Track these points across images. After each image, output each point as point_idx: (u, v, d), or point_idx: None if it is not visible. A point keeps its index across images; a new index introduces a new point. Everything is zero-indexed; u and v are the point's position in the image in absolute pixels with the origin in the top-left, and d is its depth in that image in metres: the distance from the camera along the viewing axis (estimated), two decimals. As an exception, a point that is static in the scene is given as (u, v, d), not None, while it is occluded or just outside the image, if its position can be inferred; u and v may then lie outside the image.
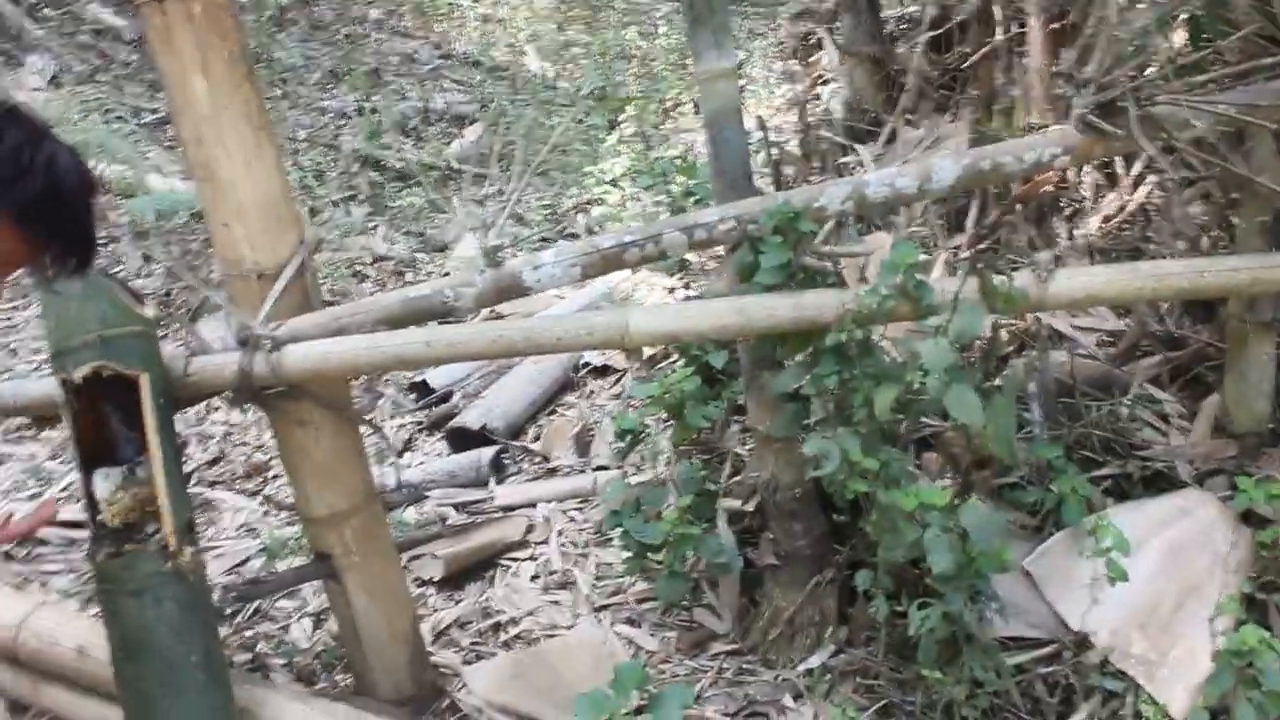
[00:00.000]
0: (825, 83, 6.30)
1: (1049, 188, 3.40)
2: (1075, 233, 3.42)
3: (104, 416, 2.24)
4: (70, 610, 2.84)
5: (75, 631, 2.65)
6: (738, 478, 3.15)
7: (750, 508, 3.04)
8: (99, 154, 5.70)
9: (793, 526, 2.80)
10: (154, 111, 6.98)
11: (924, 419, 2.93)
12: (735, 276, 2.37)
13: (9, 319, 4.87)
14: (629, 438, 3.12)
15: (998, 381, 2.44)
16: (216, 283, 2.40)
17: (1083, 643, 2.52)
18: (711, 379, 3.25)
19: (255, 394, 2.24)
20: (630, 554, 3.03)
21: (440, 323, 2.45)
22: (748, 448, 3.25)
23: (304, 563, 3.17)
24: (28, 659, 2.70)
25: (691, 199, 3.14)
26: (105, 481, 2.19)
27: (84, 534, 3.64)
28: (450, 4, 9.60)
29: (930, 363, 2.14)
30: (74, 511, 3.76)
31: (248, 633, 3.13)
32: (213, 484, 4.01)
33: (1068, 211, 3.47)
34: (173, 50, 2.13)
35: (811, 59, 7.00)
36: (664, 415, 3.31)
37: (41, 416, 2.45)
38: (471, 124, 7.29)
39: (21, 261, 1.73)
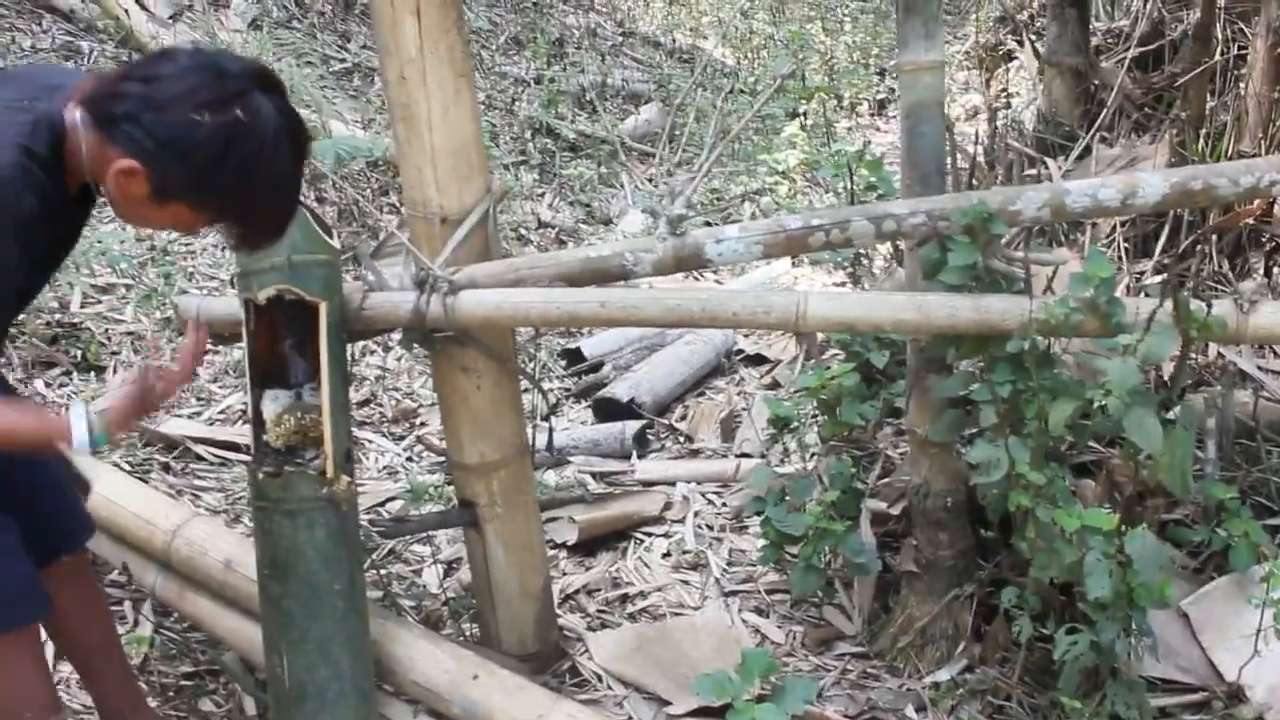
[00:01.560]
0: (1014, 94, 6.15)
1: (1250, 220, 3.24)
2: (1275, 270, 3.25)
3: (279, 340, 2.29)
4: (220, 524, 2.93)
5: (225, 545, 2.72)
6: (886, 480, 3.09)
7: (896, 511, 2.97)
8: (292, 97, 5.88)
9: (938, 535, 2.73)
10: (341, 61, 7.15)
11: (1091, 442, 2.83)
12: (919, 272, 2.32)
13: (189, 244, 5.05)
14: (781, 425, 3.08)
15: (1173, 414, 2.33)
16: (397, 223, 2.43)
17: (1236, 695, 2.40)
18: (869, 377, 3.18)
19: (425, 335, 2.27)
20: (768, 542, 3.00)
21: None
22: (899, 451, 3.18)
23: (445, 508, 3.24)
24: (178, 565, 2.80)
25: (874, 194, 3.07)
26: (273, 403, 2.24)
27: (235, 455, 3.82)
28: (637, -17, 9.65)
29: (1115, 382, 2.05)
30: (228, 432, 3.91)
31: (381, 571, 3.19)
32: (361, 424, 4.09)
33: (1268, 247, 3.30)
34: (387, -10, 2.16)
35: (1000, 68, 6.83)
36: (816, 409, 3.26)
37: (221, 335, 2.52)
38: (647, 103, 7.30)
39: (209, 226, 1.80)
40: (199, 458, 3.79)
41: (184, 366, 2.01)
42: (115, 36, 6.22)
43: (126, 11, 6.30)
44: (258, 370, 2.25)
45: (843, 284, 4.26)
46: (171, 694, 2.79)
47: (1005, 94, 6.29)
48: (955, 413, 2.55)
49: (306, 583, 2.19)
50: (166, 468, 3.72)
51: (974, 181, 3.20)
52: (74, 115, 1.69)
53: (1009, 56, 7.16)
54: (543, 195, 5.92)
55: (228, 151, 1.67)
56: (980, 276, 2.22)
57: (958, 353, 2.35)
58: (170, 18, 6.85)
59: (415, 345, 2.40)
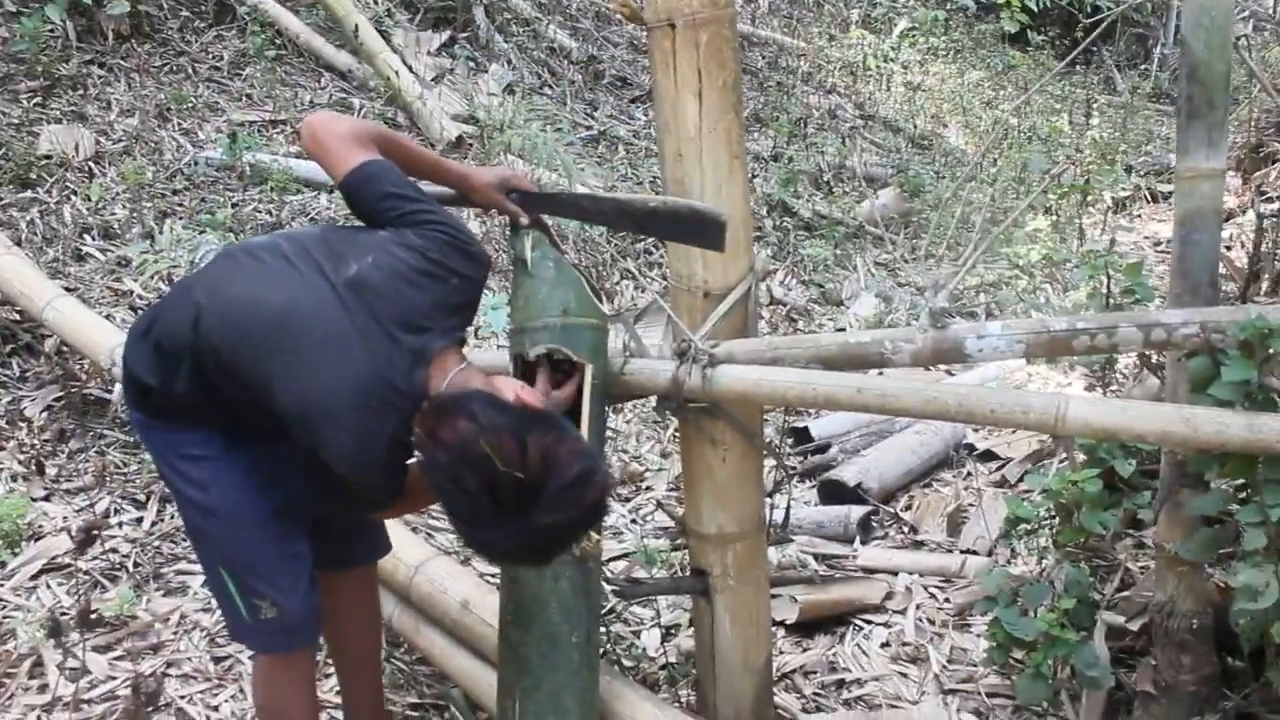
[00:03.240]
0: (1269, 198, 5.88)
1: None
2: None
3: (540, 398, 2.40)
4: (459, 566, 3.05)
5: (463, 586, 2.84)
6: (1125, 593, 2.97)
7: (1134, 627, 2.86)
8: (536, 157, 6.16)
9: (1180, 658, 2.61)
10: (588, 128, 7.43)
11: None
12: (1181, 384, 2.25)
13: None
14: (1019, 526, 3.01)
15: None
16: (660, 292, 2.52)
17: None
18: (1112, 485, 3.09)
19: (680, 404, 2.34)
20: (994, 644, 2.92)
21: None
22: (1140, 564, 3.06)
23: (669, 574, 3.29)
24: (417, 600, 2.93)
25: (1130, 297, 2.99)
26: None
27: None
28: (879, 68, 9.68)
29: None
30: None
31: (601, 629, 3.27)
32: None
33: None
34: (673, 71, 2.27)
35: (1261, 170, 6.56)
36: (1053, 513, 3.17)
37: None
38: (884, 187, 7.31)
39: None
40: (435, 500, 3.96)
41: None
42: (383, 95, 6.66)
43: (396, 73, 6.72)
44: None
45: (1090, 387, 4.14)
46: (397, 722, 2.93)
47: (1265, 197, 6.02)
48: (1210, 531, 2.45)
49: (546, 632, 2.27)
50: (404, 506, 3.90)
51: (1246, 293, 3.08)
52: (417, 437, 1.97)
53: (1271, 159, 6.87)
54: (775, 272, 5.98)
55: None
56: (1253, 394, 2.14)
57: (1221, 470, 2.27)
58: (433, 79, 7.29)
59: (666, 412, 2.47)
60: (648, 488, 4.16)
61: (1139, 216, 7.56)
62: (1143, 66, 12.32)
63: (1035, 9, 10.94)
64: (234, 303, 2.05)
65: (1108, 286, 3.08)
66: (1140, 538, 3.13)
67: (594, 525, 2.01)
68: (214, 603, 2.48)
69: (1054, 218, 6.08)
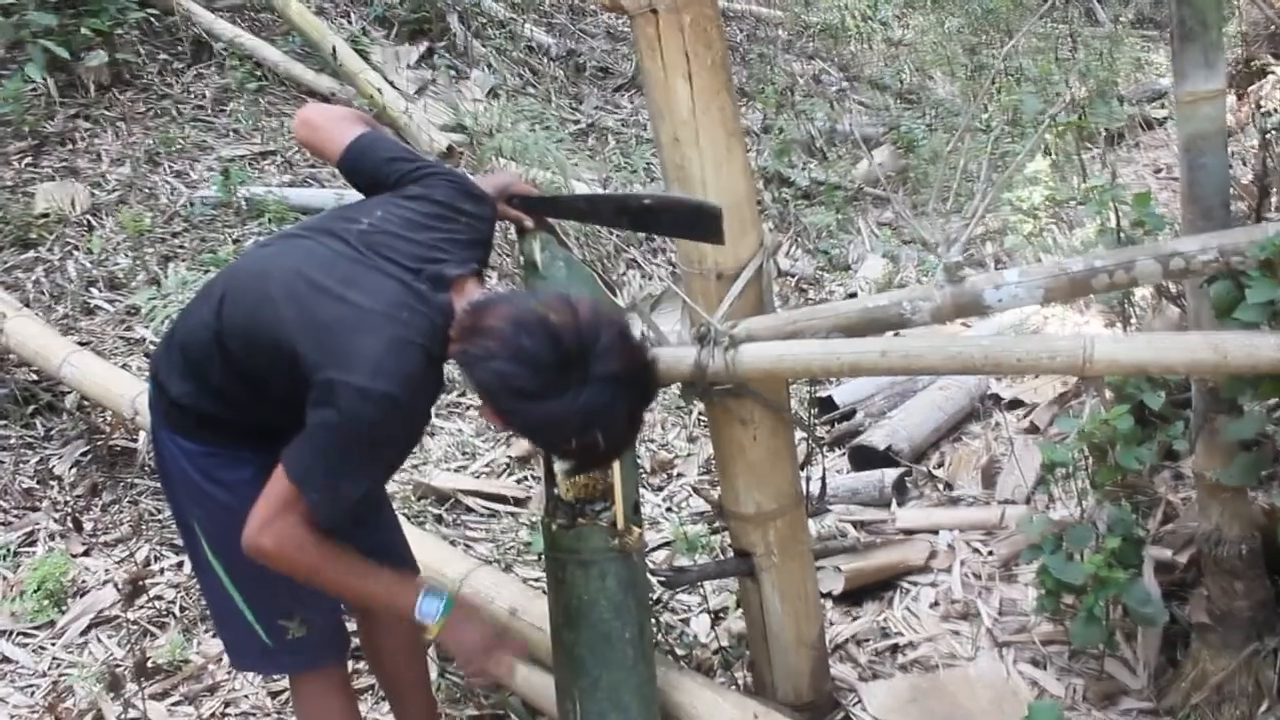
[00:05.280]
0: (1273, 111, 5.84)
1: None
2: None
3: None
4: (503, 574, 3.06)
5: (510, 594, 2.85)
6: (1169, 526, 2.96)
7: (1183, 560, 2.85)
8: (528, 158, 6.15)
9: (1233, 585, 2.60)
10: (575, 122, 7.42)
11: None
12: (1204, 310, 2.24)
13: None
14: (1055, 470, 3.00)
15: None
16: (669, 278, 2.51)
17: None
18: (1142, 419, 3.07)
19: (705, 389, 2.33)
20: (1044, 592, 2.91)
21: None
22: (1181, 496, 3.05)
23: (710, 559, 3.29)
24: (465, 614, 2.94)
25: (1141, 229, 2.97)
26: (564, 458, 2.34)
27: (503, 506, 3.99)
28: (858, 29, 9.63)
29: None
30: (495, 485, 4.08)
31: (651, 620, 3.27)
32: (617, 475, 4.21)
33: None
34: (660, 56, 2.25)
35: (1254, 85, 6.51)
36: (1086, 454, 3.16)
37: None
38: (877, 146, 7.27)
39: None
40: (469, 509, 3.98)
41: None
42: (370, 113, 6.65)
43: (379, 90, 6.72)
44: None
45: (1109, 323, 4.12)
46: (459, 736, 2.94)
47: (1263, 112, 5.97)
48: (1249, 455, 2.44)
49: (598, 631, 2.27)
50: (439, 519, 3.92)
51: (1260, 211, 3.05)
52: (454, 350, 1.94)
53: (1263, 72, 6.81)
54: (780, 244, 5.96)
55: (582, 457, 1.96)
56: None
57: (1255, 393, 2.25)
58: (416, 92, 7.28)
59: (692, 398, 2.47)
60: (679, 474, 4.16)
61: (1136, 146, 7.51)
62: (1123, -5, 12.22)
63: (1009, -50, 10.87)
64: (252, 276, 2.08)
65: (1116, 221, 3.06)
66: (1178, 469, 3.12)
67: (652, 392, 2.00)
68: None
69: (1052, 157, 6.04)
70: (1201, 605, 2.69)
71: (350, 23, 7.65)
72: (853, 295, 5.20)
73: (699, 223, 2.26)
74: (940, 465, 3.99)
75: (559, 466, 2.33)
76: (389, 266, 2.00)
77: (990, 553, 3.44)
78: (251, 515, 1.97)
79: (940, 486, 3.87)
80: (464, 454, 4.36)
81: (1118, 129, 7.38)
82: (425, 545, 3.12)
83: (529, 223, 2.40)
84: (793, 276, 5.70)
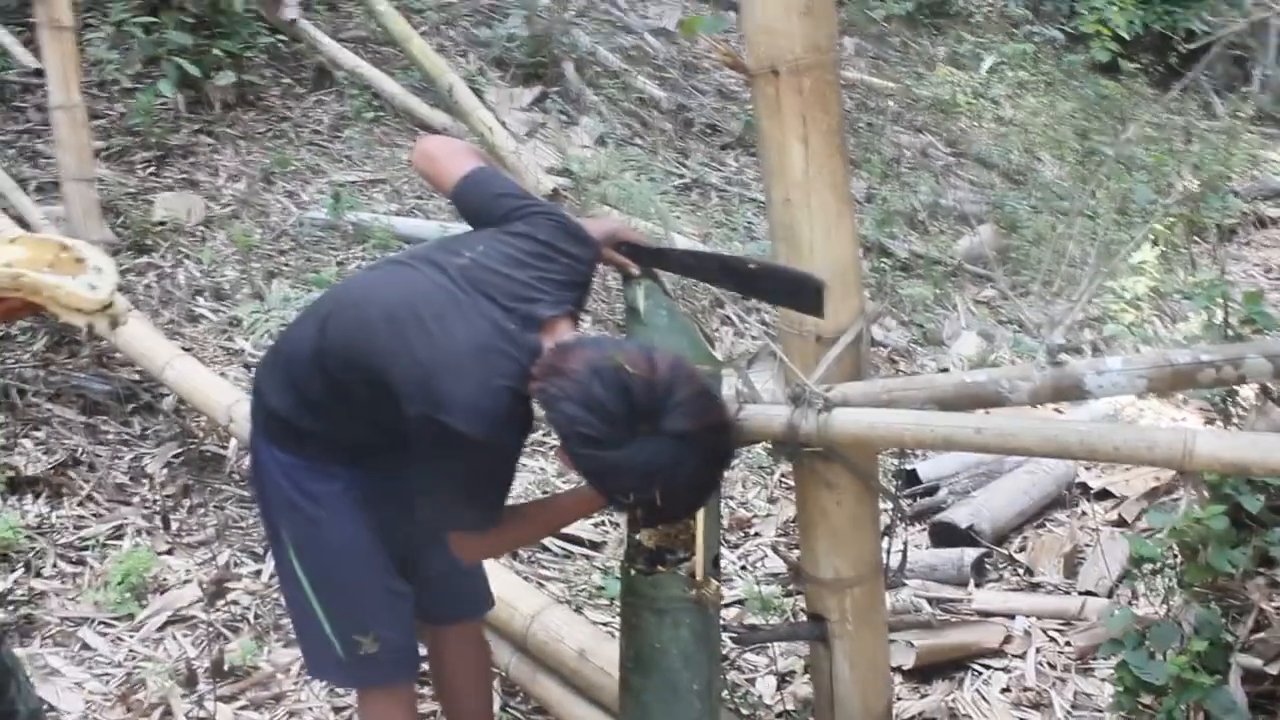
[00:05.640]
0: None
1: None
2: None
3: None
4: (574, 615, 3.07)
5: (580, 635, 2.86)
6: (1260, 634, 2.87)
7: (1273, 670, 2.76)
8: (631, 207, 6.22)
9: (1323, 703, 2.52)
10: (680, 176, 7.49)
11: None
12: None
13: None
14: (1143, 565, 2.93)
15: None
16: (763, 337, 2.52)
17: None
18: (1238, 522, 3.00)
19: (795, 449, 2.33)
20: (1122, 689, 2.84)
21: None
22: (1274, 605, 2.96)
23: (782, 621, 3.27)
24: (533, 649, 2.96)
25: (1249, 327, 2.92)
26: (622, 511, 2.36)
27: (578, 549, 4.00)
28: (968, 104, 9.60)
29: None
30: (572, 527, 4.09)
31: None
32: (694, 530, 4.21)
33: None
34: (778, 117, 2.28)
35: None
36: (1177, 552, 3.09)
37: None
38: (980, 223, 7.23)
39: None
40: (544, 548, 4.00)
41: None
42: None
43: (490, 129, 6.84)
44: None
45: (1209, 421, 4.03)
46: (515, 771, 2.94)
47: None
48: (1349, 568, 2.37)
49: (667, 680, 2.27)
50: (514, 555, 3.94)
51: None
52: (534, 389, 1.99)
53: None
54: (881, 313, 5.95)
55: (641, 511, 2.02)
56: (1392, 425, 2.08)
57: (1360, 504, 2.19)
58: (526, 134, 7.41)
59: (774, 458, 2.47)
60: (756, 534, 4.14)
61: (1248, 244, 7.37)
62: (1242, 89, 12.04)
63: (1126, 37, 10.77)
64: (356, 301, 2.16)
65: (1225, 316, 3.01)
66: (1274, 577, 3.03)
67: (724, 455, 2.03)
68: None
69: (1160, 248, 5.96)
70: (1287, 720, 2.61)
71: (468, 61, 7.83)
72: (944, 370, 5.16)
73: (800, 293, 2.27)
74: (1022, 549, 3.93)
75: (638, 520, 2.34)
76: (484, 304, 2.05)
77: (1068, 643, 3.38)
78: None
79: (1020, 571, 3.81)
80: (544, 492, 4.38)
81: (1230, 225, 7.26)
82: (499, 579, 3.14)
83: (635, 269, 2.43)
84: (885, 347, 5.67)
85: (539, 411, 2.03)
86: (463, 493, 2.07)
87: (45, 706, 2.98)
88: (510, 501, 2.19)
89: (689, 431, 1.87)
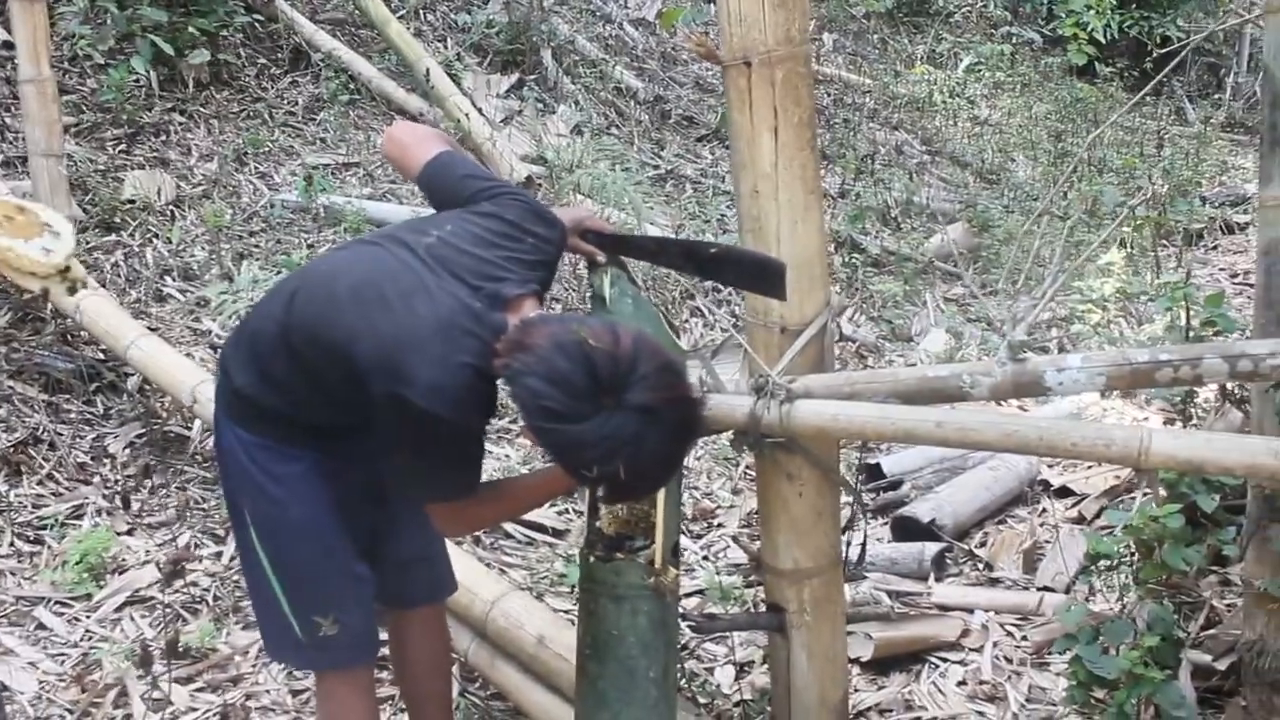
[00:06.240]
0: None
1: None
2: None
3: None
4: (534, 601, 3.07)
5: (539, 622, 2.86)
6: (1211, 631, 2.91)
7: (1222, 667, 2.80)
8: (605, 196, 6.22)
9: (1272, 699, 2.56)
10: (655, 167, 7.49)
11: None
12: (1266, 415, 2.22)
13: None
14: (1099, 562, 2.96)
15: None
16: (730, 329, 2.53)
17: None
18: (1194, 520, 3.03)
19: (756, 440, 2.33)
20: (1075, 683, 2.87)
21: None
22: (1226, 602, 3.00)
23: (742, 611, 3.28)
24: (493, 635, 2.96)
25: (1211, 329, 2.95)
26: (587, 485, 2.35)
27: (540, 535, 4.01)
28: (945, 104, 9.65)
29: None
30: (535, 513, 4.09)
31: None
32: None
33: None
34: (749, 108, 2.28)
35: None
36: (1132, 549, 3.12)
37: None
38: (952, 222, 7.27)
39: None
40: (508, 535, 4.00)
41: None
42: (455, 136, 6.76)
43: (466, 115, 6.84)
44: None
45: (1169, 421, 4.08)
46: (473, 758, 2.94)
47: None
48: (1301, 568, 2.40)
49: (624, 666, 2.27)
50: (477, 540, 3.94)
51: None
52: (499, 364, 1.95)
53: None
54: (846, 307, 5.97)
55: (605, 486, 1.97)
56: (1344, 427, 2.11)
57: (1312, 505, 2.22)
58: (502, 121, 7.40)
59: (738, 450, 2.48)
60: (719, 524, 4.16)
61: (1214, 249, 7.44)
62: (1215, 96, 12.16)
63: (1103, 41, 10.86)
64: (323, 279, 2.15)
65: (1187, 318, 3.04)
66: (1225, 575, 3.07)
67: (689, 429, 1.98)
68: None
69: (1128, 250, 6.01)
70: (1238, 715, 2.65)
71: (446, 47, 7.81)
72: (912, 366, 5.19)
73: (763, 277, 2.29)
74: (982, 545, 3.95)
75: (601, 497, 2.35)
76: (450, 282, 2.05)
77: (1024, 638, 3.40)
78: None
79: (980, 566, 3.84)
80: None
81: (1197, 229, 7.32)
82: (461, 563, 3.14)
83: (601, 257, 2.43)
84: (854, 342, 5.69)
85: (504, 393, 2.03)
86: (437, 465, 2.07)
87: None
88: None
89: (653, 405, 1.86)
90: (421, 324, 1.99)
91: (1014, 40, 11.03)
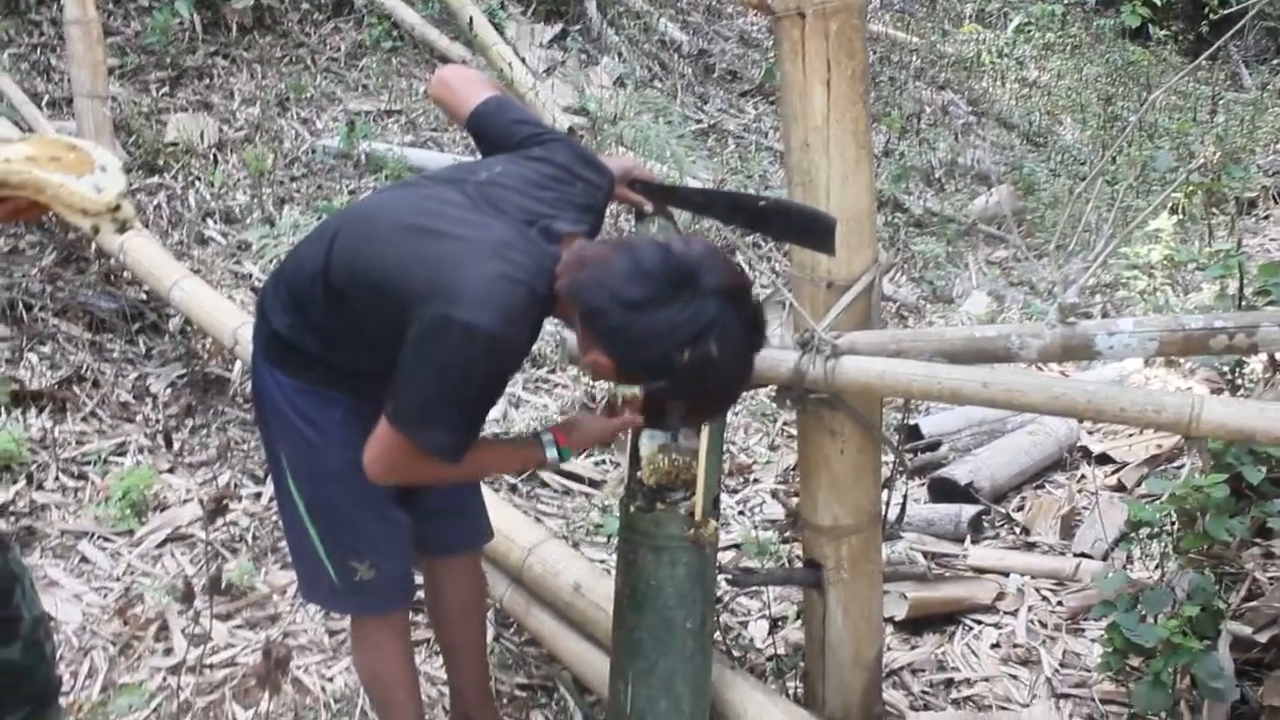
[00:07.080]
0: None
1: None
2: None
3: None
4: (571, 550, 3.08)
5: (576, 570, 2.87)
6: (1252, 603, 2.89)
7: (1262, 639, 2.78)
8: (647, 149, 6.17)
9: (1312, 673, 2.53)
10: (698, 121, 7.44)
11: None
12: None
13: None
14: (1140, 530, 2.94)
15: None
16: (784, 282, 2.51)
17: None
18: (1239, 492, 3.00)
19: (800, 395, 2.32)
20: (1111, 650, 2.85)
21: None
22: (1269, 574, 2.97)
23: (779, 566, 3.29)
24: (529, 582, 2.97)
25: (1265, 299, 2.91)
26: (650, 442, 2.35)
27: (578, 485, 4.02)
28: (993, 64, 9.51)
29: None
30: (574, 464, 4.11)
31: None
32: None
33: None
34: (801, 61, 2.25)
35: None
36: (1174, 518, 3.10)
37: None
38: (997, 184, 7.18)
39: None
40: (545, 484, 4.02)
41: (635, 411, 2.22)
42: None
43: (509, 65, 6.77)
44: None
45: (1216, 390, 4.02)
46: (504, 701, 2.97)
47: None
48: (1347, 541, 2.37)
49: (661, 617, 2.28)
50: (514, 489, 3.96)
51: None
52: (562, 284, 1.93)
53: None
54: (894, 265, 5.93)
55: (698, 379, 1.88)
56: (1402, 398, 2.07)
57: (1363, 477, 2.19)
58: (545, 71, 7.35)
59: (776, 406, 2.47)
60: (756, 480, 4.15)
61: (1267, 218, 7.32)
62: (1274, 62, 11.90)
63: (1158, 2, 10.65)
64: (363, 216, 2.13)
65: (1240, 286, 2.99)
66: (1269, 547, 3.04)
67: (762, 324, 1.96)
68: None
69: (1178, 217, 5.91)
70: (1276, 688, 2.63)
71: (491, -5, 7.75)
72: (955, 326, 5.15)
73: (812, 230, 2.26)
74: (1020, 509, 3.93)
75: (645, 447, 2.34)
76: (502, 217, 2.02)
77: (1060, 603, 3.39)
78: (365, 451, 2.04)
79: (1017, 530, 3.82)
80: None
81: (1249, 198, 7.20)
82: (499, 512, 3.15)
83: (649, 207, 2.42)
84: (894, 302, 5.66)
85: (541, 342, 2.00)
86: (443, 404, 1.94)
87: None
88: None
89: (730, 288, 1.85)
90: (476, 246, 1.93)
91: (1065, 0, 10.83)
